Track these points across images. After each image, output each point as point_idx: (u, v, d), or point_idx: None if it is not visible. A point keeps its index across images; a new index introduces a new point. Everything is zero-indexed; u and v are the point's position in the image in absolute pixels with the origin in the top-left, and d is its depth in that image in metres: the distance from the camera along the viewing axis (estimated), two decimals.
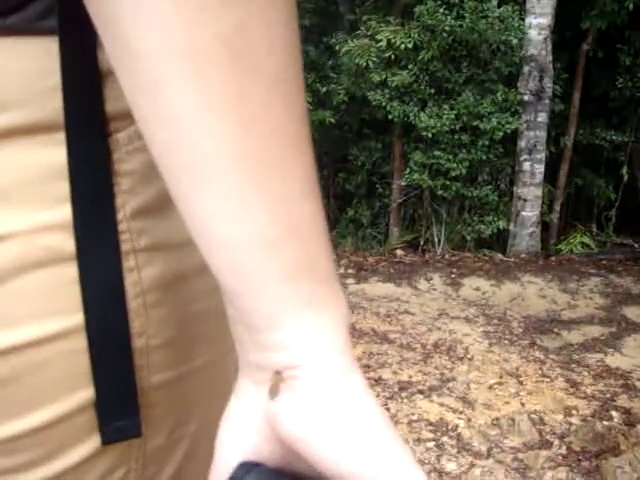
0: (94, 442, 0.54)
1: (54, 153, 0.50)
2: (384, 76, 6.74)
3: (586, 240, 7.42)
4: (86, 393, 0.53)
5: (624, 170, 7.62)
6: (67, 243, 0.51)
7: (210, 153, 0.40)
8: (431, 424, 3.58)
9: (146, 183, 0.55)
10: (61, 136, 0.50)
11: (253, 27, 0.39)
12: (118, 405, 0.55)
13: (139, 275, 0.54)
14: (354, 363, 0.46)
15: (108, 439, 0.54)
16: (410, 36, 6.58)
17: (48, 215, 0.51)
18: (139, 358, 0.55)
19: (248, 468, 0.46)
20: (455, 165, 6.69)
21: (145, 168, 0.55)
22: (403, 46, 6.57)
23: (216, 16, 0.38)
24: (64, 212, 0.51)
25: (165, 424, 0.60)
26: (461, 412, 3.75)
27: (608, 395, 4.06)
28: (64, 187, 0.51)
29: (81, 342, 0.52)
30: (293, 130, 0.42)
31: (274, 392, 0.44)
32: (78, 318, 0.52)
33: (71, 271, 0.51)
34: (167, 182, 0.43)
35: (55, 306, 0.51)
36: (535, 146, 6.93)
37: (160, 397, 0.58)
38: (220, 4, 0.38)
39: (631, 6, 6.52)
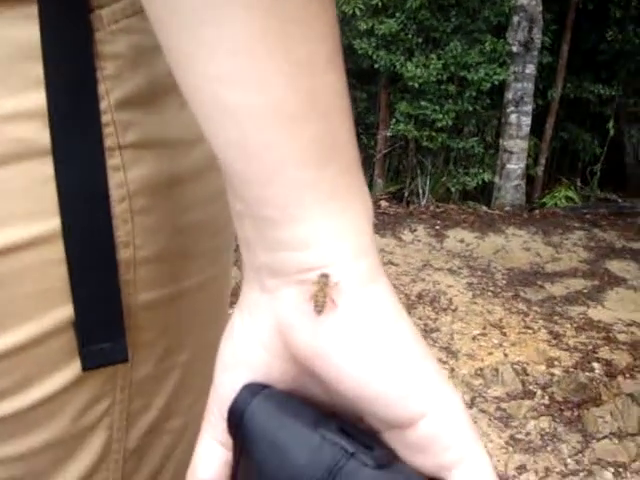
0: (74, 368, 0.48)
1: (24, 29, 0.43)
2: (371, 24, 6.61)
3: (570, 194, 7.40)
4: (64, 311, 0.47)
5: (610, 124, 7.57)
6: (41, 135, 0.44)
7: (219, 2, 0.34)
8: None
9: (135, 69, 0.48)
10: (32, 10, 0.43)
11: None
12: (101, 325, 0.48)
13: (125, 175, 0.48)
14: (380, 265, 0.39)
15: (90, 364, 0.48)
16: None
17: (18, 102, 0.44)
18: (125, 272, 0.49)
19: (254, 390, 0.40)
20: (441, 116, 6.61)
21: (133, 52, 0.48)
22: None
23: None
24: (37, 98, 0.44)
25: (154, 351, 0.54)
26: (445, 362, 3.76)
27: (590, 347, 4.08)
28: (37, 69, 0.44)
29: (57, 251, 0.46)
30: None
31: (320, 304, 0.37)
32: (54, 223, 0.45)
33: (46, 168, 0.45)
34: (163, 42, 0.37)
35: (27, 208, 0.44)
36: (522, 98, 6.86)
37: (148, 319, 0.52)
38: None
39: None
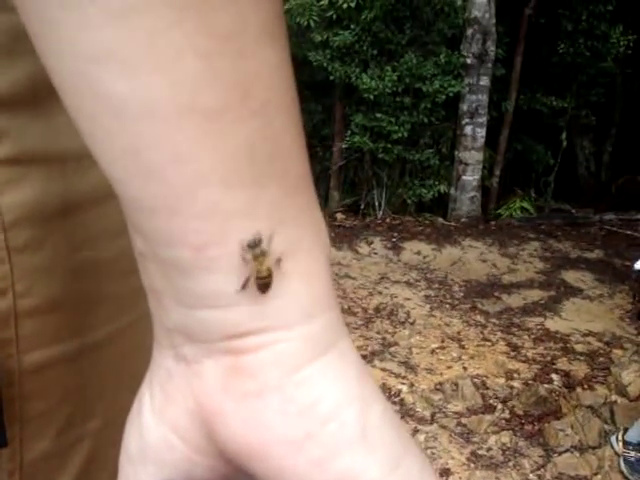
0: None
1: None
2: (325, 36, 6.58)
3: (525, 205, 7.46)
4: None
5: (563, 136, 7.66)
6: None
7: None
8: None
9: (10, 61, 0.36)
10: None
11: None
12: None
13: None
14: (340, 322, 0.30)
15: None
16: None
17: None
18: (2, 329, 0.38)
19: None
20: (397, 128, 6.60)
21: (8, 38, 0.36)
22: (345, 5, 6.40)
23: None
24: None
25: (51, 423, 0.42)
26: (404, 377, 3.71)
27: (548, 358, 4.08)
28: None
29: None
30: None
31: (263, 279, 0.27)
32: None
33: None
34: (22, 10, 0.25)
35: None
36: (477, 110, 6.90)
37: (40, 385, 0.40)
38: None
39: None
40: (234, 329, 0.27)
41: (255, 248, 0.27)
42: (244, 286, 0.27)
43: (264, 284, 0.27)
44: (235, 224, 0.26)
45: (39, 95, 0.38)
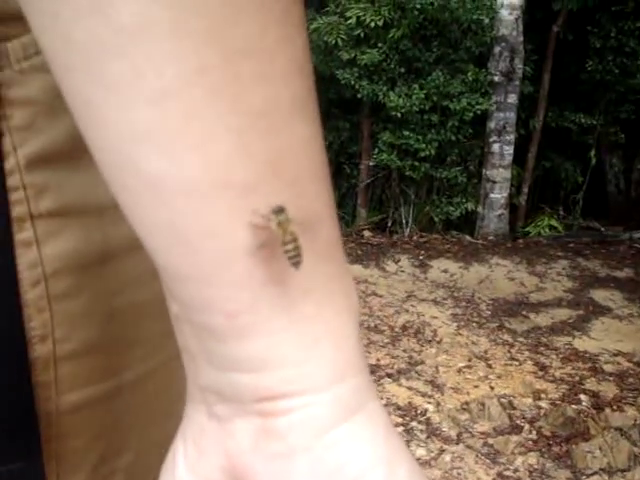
0: None
1: None
2: (353, 54, 6.60)
3: (553, 223, 7.40)
4: None
5: (592, 153, 7.61)
6: None
7: (131, 25, 0.24)
8: (400, 408, 3.51)
9: (53, 118, 0.38)
10: None
11: None
12: (8, 442, 0.38)
13: (39, 252, 0.38)
14: (369, 384, 0.30)
15: None
16: (380, 14, 6.45)
17: None
18: (42, 372, 0.39)
19: None
20: (424, 146, 6.60)
21: (51, 96, 0.37)
22: (373, 24, 6.44)
23: None
24: None
25: (86, 459, 0.43)
26: (430, 396, 3.69)
27: (577, 378, 4.04)
28: None
29: None
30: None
31: (293, 251, 0.27)
32: None
33: None
34: (60, 83, 0.27)
35: None
36: (504, 128, 6.87)
37: (77, 424, 0.41)
38: None
39: None
40: (266, 392, 0.29)
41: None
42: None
43: None
44: (266, 292, 0.27)
45: (78, 149, 0.38)
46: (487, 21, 6.57)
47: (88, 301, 0.41)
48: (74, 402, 0.41)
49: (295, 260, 0.27)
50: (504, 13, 6.68)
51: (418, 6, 6.33)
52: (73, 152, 0.39)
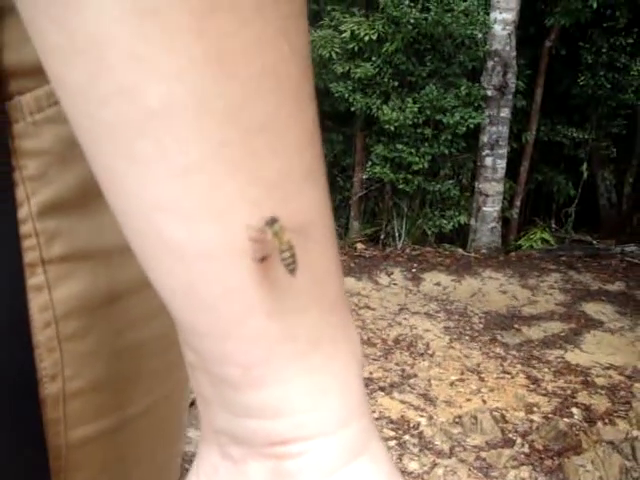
0: None
1: None
2: (347, 68, 6.65)
3: (546, 236, 7.43)
4: None
5: (584, 167, 7.65)
6: None
7: (158, 107, 0.26)
8: (392, 422, 3.51)
9: (63, 167, 0.39)
10: None
11: None
12: (20, 474, 0.39)
13: (50, 296, 0.39)
14: (372, 425, 0.32)
15: None
16: (374, 28, 6.49)
17: None
18: (52, 410, 0.40)
19: None
20: (417, 159, 6.63)
21: (62, 146, 0.39)
22: (367, 38, 6.48)
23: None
24: None
25: None
26: (423, 409, 3.70)
27: (569, 392, 4.06)
28: None
29: None
30: (293, 72, 0.28)
31: (288, 259, 0.29)
32: None
33: None
34: (88, 154, 0.29)
35: None
36: (497, 141, 6.91)
37: (84, 457, 0.43)
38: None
39: (595, 4, 6.52)
40: (278, 437, 0.30)
41: None
42: None
43: None
44: (279, 346, 0.29)
45: (86, 196, 0.40)
46: (480, 36, 6.62)
47: (96, 340, 0.42)
48: (82, 436, 0.43)
49: (291, 267, 0.29)
50: (497, 28, 6.73)
51: (412, 20, 6.37)
52: (82, 199, 0.41)
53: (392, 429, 3.43)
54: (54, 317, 0.40)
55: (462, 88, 6.63)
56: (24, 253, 0.38)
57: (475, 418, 3.55)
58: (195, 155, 0.27)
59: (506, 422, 3.59)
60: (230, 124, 0.27)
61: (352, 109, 6.75)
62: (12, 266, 0.38)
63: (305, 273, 0.30)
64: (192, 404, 0.53)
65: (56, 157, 0.39)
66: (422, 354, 4.51)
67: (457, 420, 3.57)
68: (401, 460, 3.17)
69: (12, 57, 0.36)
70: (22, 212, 0.38)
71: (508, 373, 4.30)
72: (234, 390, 0.30)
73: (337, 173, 7.64)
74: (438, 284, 5.99)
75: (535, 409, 3.79)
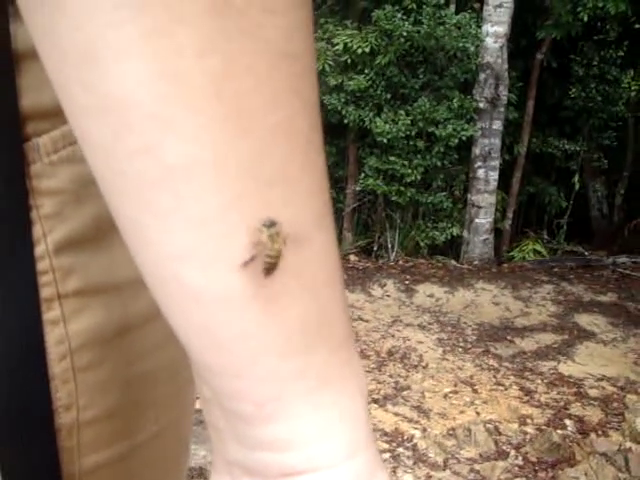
0: None
1: None
2: (340, 80, 6.67)
3: (538, 247, 7.46)
4: None
5: (576, 179, 7.70)
6: None
7: (178, 164, 0.27)
8: (386, 434, 3.52)
9: (78, 205, 0.41)
10: None
11: None
12: None
13: (65, 329, 0.41)
14: (378, 455, 0.34)
15: None
16: (367, 40, 6.52)
17: None
18: (66, 438, 0.42)
19: None
20: (410, 171, 6.65)
21: (77, 185, 0.40)
22: (360, 50, 6.52)
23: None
24: None
25: None
26: (416, 422, 3.71)
27: (562, 403, 4.07)
28: None
29: None
30: (304, 127, 0.30)
31: (269, 261, 0.30)
32: None
33: None
34: (110, 205, 0.30)
35: None
36: (490, 153, 6.94)
37: None
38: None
39: (585, 17, 6.57)
40: (289, 469, 0.32)
41: None
42: None
43: None
44: (290, 384, 0.31)
45: (100, 232, 0.42)
46: (472, 49, 6.65)
47: (108, 371, 0.44)
48: (94, 463, 0.44)
49: (269, 268, 0.30)
50: (489, 41, 6.77)
51: (405, 33, 6.41)
52: (96, 235, 0.42)
53: (386, 441, 3.43)
54: (69, 349, 0.41)
55: (454, 100, 6.66)
56: (41, 288, 0.39)
57: (469, 430, 3.55)
58: (212, 207, 0.28)
59: (500, 434, 3.60)
60: (245, 177, 0.28)
61: (345, 121, 6.77)
62: (30, 301, 0.39)
63: (315, 316, 0.31)
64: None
65: (71, 195, 0.41)
66: (415, 366, 4.52)
67: (451, 432, 3.58)
68: (395, 473, 3.17)
69: (30, 100, 0.38)
70: (39, 249, 0.39)
71: (501, 385, 4.30)
72: (247, 424, 0.32)
73: (330, 185, 7.63)
74: (431, 296, 6.01)
75: (528, 421, 3.79)
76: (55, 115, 0.38)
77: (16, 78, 0.37)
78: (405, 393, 4.07)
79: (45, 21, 0.27)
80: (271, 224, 0.29)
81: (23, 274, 0.39)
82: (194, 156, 0.27)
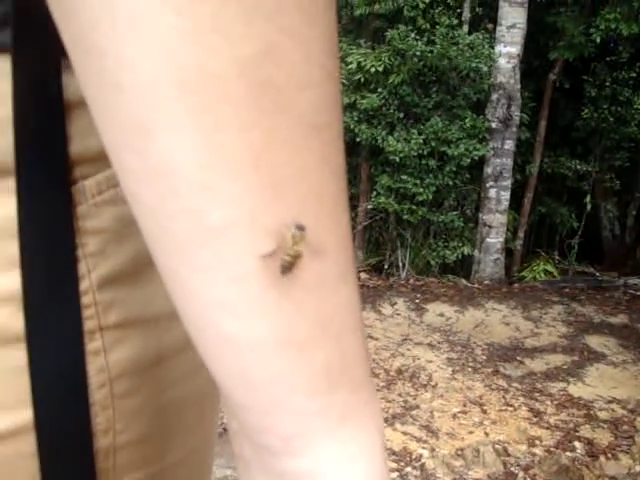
0: None
1: (0, 205, 0.39)
2: (353, 99, 6.72)
3: (549, 268, 7.44)
4: None
5: (587, 199, 7.69)
6: (14, 320, 0.40)
7: (218, 226, 0.30)
8: (394, 453, 3.51)
9: (119, 243, 0.44)
10: (10, 183, 0.38)
11: (285, 51, 0.29)
12: None
13: (106, 359, 0.43)
14: None
15: None
16: (380, 60, 6.57)
17: None
18: (103, 461, 0.44)
19: None
20: (422, 190, 6.67)
21: (118, 225, 0.43)
22: (373, 69, 6.56)
23: (235, 35, 0.28)
24: (11, 281, 0.39)
25: None
26: (425, 441, 3.70)
27: (571, 425, 4.04)
28: (12, 248, 0.39)
29: (29, 445, 0.41)
30: (333, 191, 0.33)
31: (287, 262, 0.32)
32: (26, 415, 0.40)
33: (18, 356, 0.40)
34: (154, 256, 0.33)
35: None
36: (501, 173, 6.96)
37: None
38: (240, 19, 0.28)
39: (598, 39, 6.61)
40: None
41: None
42: None
43: None
44: (314, 422, 0.34)
45: (139, 268, 0.45)
46: (485, 69, 6.69)
47: (143, 398, 0.46)
48: None
49: (286, 269, 0.32)
50: (502, 61, 6.80)
51: (418, 53, 6.45)
52: (135, 271, 0.45)
53: (394, 460, 3.43)
54: (109, 378, 0.44)
55: (467, 120, 6.69)
56: (84, 321, 0.42)
57: (477, 451, 3.54)
58: (249, 263, 0.31)
59: (508, 455, 3.58)
60: (271, 233, 0.31)
61: (357, 139, 6.80)
62: (75, 333, 0.42)
63: (338, 359, 0.34)
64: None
65: (113, 235, 0.43)
66: (425, 385, 4.51)
67: (459, 452, 3.57)
68: None
69: (78, 147, 0.41)
70: (83, 285, 0.42)
71: (510, 406, 4.29)
72: (273, 457, 0.35)
73: None
74: (441, 315, 6.00)
75: (537, 442, 3.78)
76: (99, 160, 0.41)
77: (66, 126, 0.40)
78: (414, 412, 4.07)
79: (105, 98, 0.30)
80: (300, 227, 0.32)
81: (69, 308, 0.41)
82: (232, 219, 0.30)
